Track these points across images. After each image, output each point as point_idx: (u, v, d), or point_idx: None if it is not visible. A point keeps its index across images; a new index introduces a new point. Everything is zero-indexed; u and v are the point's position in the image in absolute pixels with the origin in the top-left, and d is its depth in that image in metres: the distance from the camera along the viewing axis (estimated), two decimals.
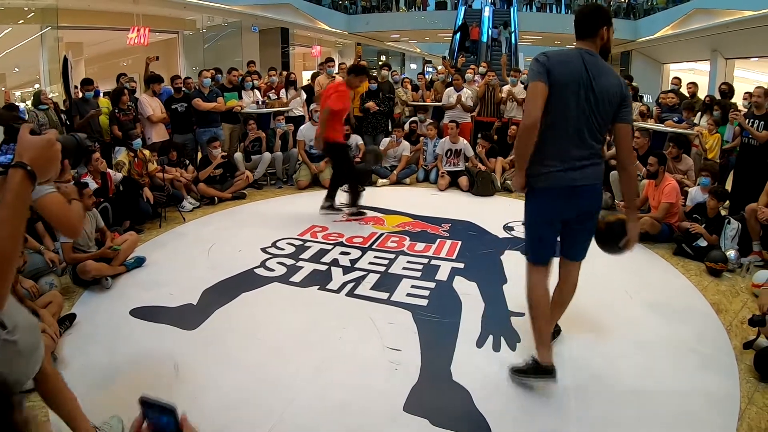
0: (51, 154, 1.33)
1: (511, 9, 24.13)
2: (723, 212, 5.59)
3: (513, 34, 21.61)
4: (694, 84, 9.05)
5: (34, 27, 15.09)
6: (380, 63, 14.61)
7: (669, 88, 9.15)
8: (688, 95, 8.79)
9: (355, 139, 8.58)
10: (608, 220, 3.19)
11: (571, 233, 3.11)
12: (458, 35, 15.62)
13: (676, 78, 9.55)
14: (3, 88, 15.27)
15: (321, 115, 6.32)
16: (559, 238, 3.14)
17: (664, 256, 5.36)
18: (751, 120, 6.00)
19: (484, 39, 20.87)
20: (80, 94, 7.79)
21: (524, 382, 3.11)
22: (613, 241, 3.09)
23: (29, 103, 8.95)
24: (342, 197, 6.75)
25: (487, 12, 23.35)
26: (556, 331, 3.58)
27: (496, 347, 3.56)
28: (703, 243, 5.22)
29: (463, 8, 24.65)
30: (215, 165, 7.40)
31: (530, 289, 3.15)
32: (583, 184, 2.91)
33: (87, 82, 7.68)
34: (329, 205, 6.63)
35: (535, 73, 2.84)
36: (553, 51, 2.92)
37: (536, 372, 3.07)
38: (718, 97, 8.25)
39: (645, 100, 12.03)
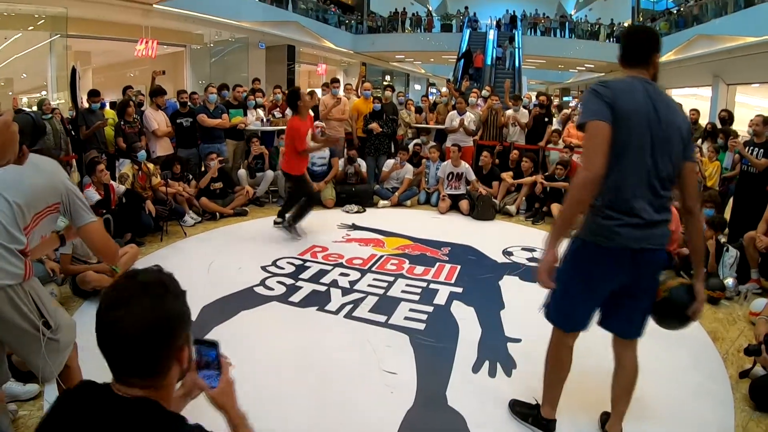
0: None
1: (516, 32, 24.34)
2: (722, 239, 5.58)
3: (517, 50, 21.76)
4: (697, 111, 9.13)
5: (44, 34, 15.20)
6: (384, 83, 14.70)
7: None
8: (690, 121, 8.84)
9: (361, 164, 8.61)
10: (669, 286, 2.53)
11: (623, 307, 2.59)
12: (462, 62, 15.69)
13: (677, 104, 9.58)
14: (10, 93, 15.38)
15: (291, 150, 6.31)
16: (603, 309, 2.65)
17: None
18: (751, 148, 6.04)
19: (488, 62, 21.02)
20: (87, 105, 7.85)
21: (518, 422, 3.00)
22: (678, 312, 2.51)
23: (35, 109, 9.00)
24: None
25: (492, 35, 23.56)
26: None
27: (492, 373, 3.55)
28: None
29: (468, 31, 24.86)
30: (210, 176, 7.45)
31: (553, 349, 2.76)
32: (647, 248, 2.38)
33: (94, 94, 7.74)
34: (281, 222, 6.71)
35: (594, 109, 2.30)
36: (611, 80, 2.39)
37: (536, 422, 2.90)
38: (719, 125, 8.31)
39: None
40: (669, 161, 2.36)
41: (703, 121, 9.20)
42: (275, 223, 6.77)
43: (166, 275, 1.31)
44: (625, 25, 25.45)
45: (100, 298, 1.25)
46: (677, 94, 20.34)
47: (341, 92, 9.43)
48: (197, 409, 1.36)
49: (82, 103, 8.02)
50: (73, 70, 8.42)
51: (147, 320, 1.20)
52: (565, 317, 2.65)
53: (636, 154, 2.30)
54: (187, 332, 1.32)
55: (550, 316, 2.69)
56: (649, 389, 3.33)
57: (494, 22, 25.89)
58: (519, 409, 3.05)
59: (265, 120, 9.04)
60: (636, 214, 2.32)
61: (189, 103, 8.26)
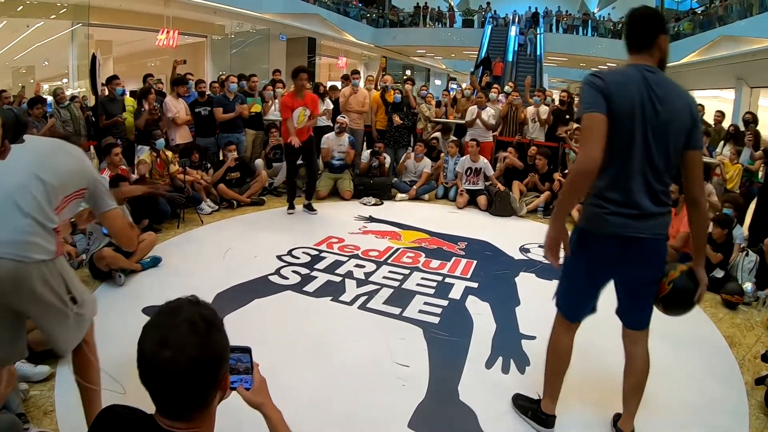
0: None
1: (538, 29, 24.18)
2: (743, 244, 5.49)
3: (540, 36, 21.60)
4: (722, 113, 9.01)
5: (66, 23, 15.38)
6: (404, 77, 14.65)
7: None
8: (713, 123, 8.74)
9: (386, 157, 8.60)
10: (672, 278, 2.51)
11: (634, 297, 2.61)
12: (481, 69, 15.57)
13: (699, 105, 9.45)
14: (32, 80, 15.54)
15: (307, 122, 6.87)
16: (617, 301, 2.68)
17: None
18: None
19: (510, 59, 20.90)
20: (106, 92, 7.91)
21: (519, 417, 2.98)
22: (685, 300, 2.51)
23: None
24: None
25: (513, 31, 23.42)
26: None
27: (505, 369, 3.52)
28: (719, 274, 5.12)
29: (489, 27, 24.72)
30: (227, 167, 7.46)
31: (554, 340, 2.78)
32: (646, 237, 2.40)
33: (112, 79, 7.79)
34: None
35: (590, 101, 2.31)
36: (607, 71, 2.39)
37: (534, 416, 2.89)
38: (742, 127, 8.21)
39: None
40: (665, 153, 2.34)
41: (726, 123, 9.06)
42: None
43: (207, 309, 1.32)
44: None
45: (142, 332, 1.25)
46: (699, 96, 20.06)
47: (361, 84, 9.39)
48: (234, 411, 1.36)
49: (102, 91, 8.05)
50: (93, 58, 8.43)
51: (196, 360, 1.21)
52: (571, 308, 2.69)
53: (630, 146, 2.31)
54: (227, 359, 1.35)
55: (561, 307, 2.72)
56: (663, 394, 3.28)
57: (516, 18, 25.74)
58: (521, 403, 3.04)
59: None
60: (633, 206, 2.35)
61: (208, 93, 8.28)
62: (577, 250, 2.51)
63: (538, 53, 21.77)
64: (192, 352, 1.20)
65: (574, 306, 2.68)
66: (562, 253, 2.45)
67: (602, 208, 2.38)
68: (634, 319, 2.67)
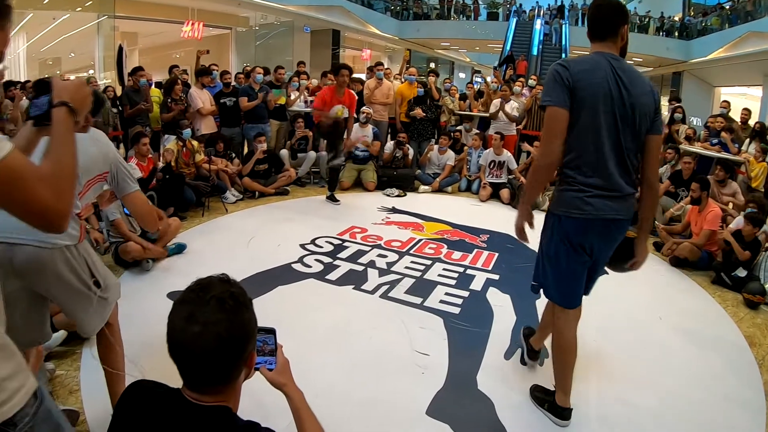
0: (84, 92, 1.49)
1: (563, 23, 23.96)
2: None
3: (565, 26, 21.40)
4: (748, 111, 8.88)
5: (92, 15, 15.53)
6: (428, 70, 14.61)
7: (718, 112, 8.98)
8: (739, 121, 8.63)
9: (409, 148, 8.60)
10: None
11: (591, 270, 2.76)
12: (504, 66, 15.50)
13: (725, 101, 9.32)
14: (58, 72, 15.74)
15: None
16: None
17: (701, 284, 5.20)
18: None
19: (534, 52, 20.73)
20: (131, 83, 8.02)
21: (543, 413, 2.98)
22: (621, 259, 2.75)
23: None
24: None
25: (538, 24, 23.24)
26: (537, 352, 3.36)
27: (524, 361, 3.51)
28: (742, 273, 5.06)
29: (514, 20, 24.54)
30: (255, 159, 7.51)
31: (558, 332, 2.82)
32: (618, 218, 2.54)
33: (137, 70, 7.89)
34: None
35: (553, 95, 2.43)
36: (573, 59, 2.51)
37: (551, 408, 2.91)
38: None
39: (693, 123, 11.79)
40: (632, 137, 2.47)
41: (753, 121, 8.91)
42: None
43: (236, 287, 1.35)
44: (676, 18, 24.82)
45: (172, 307, 1.30)
46: (726, 93, 19.79)
47: (383, 75, 9.39)
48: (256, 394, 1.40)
49: (129, 81, 8.16)
50: (120, 49, 8.57)
51: (224, 336, 1.25)
52: (566, 295, 2.74)
53: (601, 130, 2.41)
54: (255, 338, 1.40)
55: (554, 298, 2.80)
56: (681, 391, 3.29)
57: (541, 12, 25.52)
58: (538, 395, 3.05)
59: (308, 101, 9.09)
60: (612, 188, 2.47)
61: (233, 83, 8.34)
62: (557, 236, 2.63)
63: (564, 43, 21.55)
64: (219, 329, 1.24)
65: (567, 292, 2.73)
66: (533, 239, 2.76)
67: (582, 192, 2.48)
68: (587, 289, 2.82)
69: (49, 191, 1.18)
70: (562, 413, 2.86)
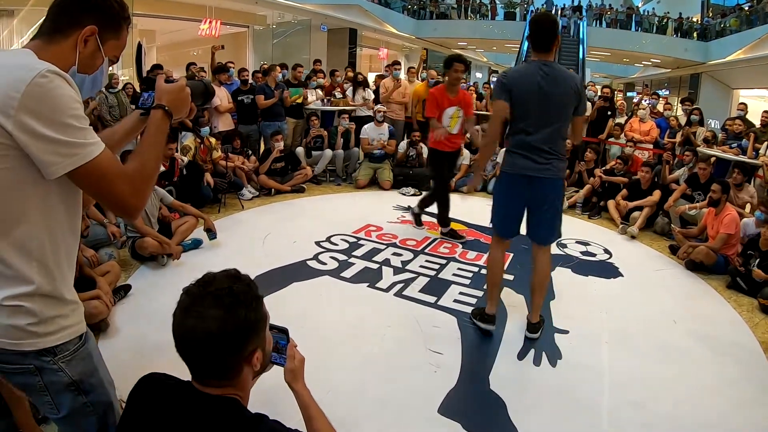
0: (183, 96, 1.61)
1: (581, 23, 23.84)
2: None
3: (584, 21, 21.29)
4: None
5: None
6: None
7: (735, 115, 8.88)
8: (760, 124, 8.53)
9: (423, 147, 8.46)
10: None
11: (533, 217, 3.58)
12: None
13: (742, 104, 9.20)
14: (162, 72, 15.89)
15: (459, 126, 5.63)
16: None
17: (717, 288, 5.12)
18: None
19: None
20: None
21: (474, 324, 3.85)
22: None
23: None
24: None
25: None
26: (541, 320, 3.87)
27: (537, 362, 3.54)
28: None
29: None
30: (273, 158, 7.54)
31: (491, 256, 3.80)
32: (540, 176, 3.41)
33: (156, 68, 7.95)
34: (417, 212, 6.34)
35: (498, 92, 3.45)
36: (512, 69, 3.71)
37: (482, 318, 3.79)
38: None
39: (712, 125, 11.64)
40: (549, 123, 3.35)
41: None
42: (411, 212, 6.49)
43: (241, 284, 1.37)
44: (694, 19, 24.54)
45: (178, 302, 1.34)
46: (745, 96, 19.51)
47: (402, 75, 9.41)
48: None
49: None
50: (139, 46, 8.63)
51: (214, 332, 1.28)
52: (498, 226, 3.73)
53: (530, 119, 3.37)
54: (260, 337, 1.41)
55: (493, 226, 3.76)
56: (695, 395, 3.28)
57: (559, 11, 25.42)
58: (474, 311, 3.98)
59: (324, 100, 9.13)
60: (535, 154, 3.40)
61: (251, 81, 8.40)
62: (501, 185, 3.70)
63: (581, 35, 21.42)
64: (210, 325, 1.27)
65: (503, 225, 3.69)
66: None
67: (516, 156, 3.47)
68: (539, 236, 3.66)
69: (128, 188, 1.39)
70: (487, 318, 3.76)
